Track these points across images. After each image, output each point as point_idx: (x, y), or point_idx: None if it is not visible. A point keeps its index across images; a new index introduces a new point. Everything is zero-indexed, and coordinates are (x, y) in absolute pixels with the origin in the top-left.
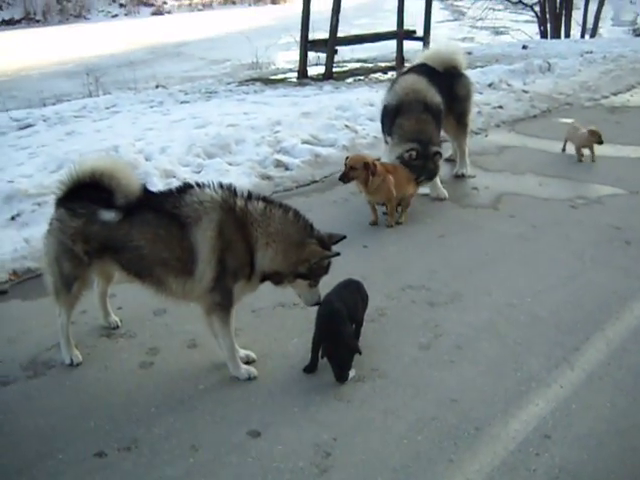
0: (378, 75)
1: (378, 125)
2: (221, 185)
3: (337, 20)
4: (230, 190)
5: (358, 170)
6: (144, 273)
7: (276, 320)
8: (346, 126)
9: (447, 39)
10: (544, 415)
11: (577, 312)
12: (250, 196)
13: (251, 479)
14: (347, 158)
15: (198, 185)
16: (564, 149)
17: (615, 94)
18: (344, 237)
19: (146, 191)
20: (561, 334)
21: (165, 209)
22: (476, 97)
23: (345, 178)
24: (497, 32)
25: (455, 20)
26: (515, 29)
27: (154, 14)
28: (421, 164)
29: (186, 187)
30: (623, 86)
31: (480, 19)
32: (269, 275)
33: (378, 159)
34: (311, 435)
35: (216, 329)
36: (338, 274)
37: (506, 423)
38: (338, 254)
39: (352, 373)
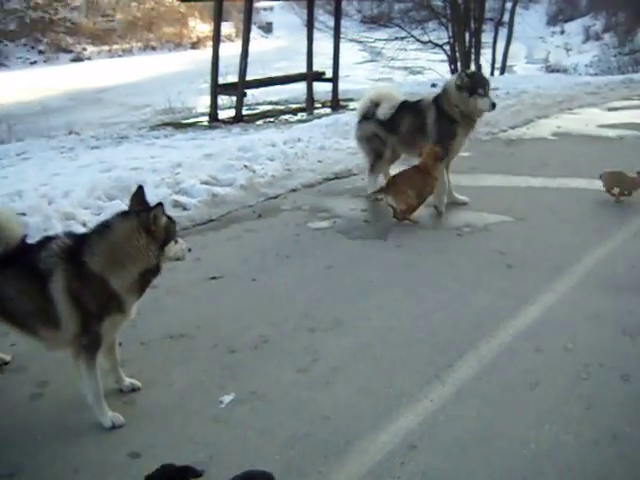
0: (288, 117)
1: (277, 164)
2: (68, 234)
3: (246, 64)
4: (74, 237)
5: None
6: (18, 323)
7: (163, 351)
8: (245, 166)
9: (365, 79)
10: (412, 427)
11: (453, 332)
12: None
13: None
14: None
15: (53, 238)
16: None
17: (513, 128)
18: None
19: (23, 242)
20: (436, 353)
21: (31, 262)
22: None
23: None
24: (413, 72)
25: (373, 61)
26: (429, 68)
27: (74, 61)
28: None
29: (46, 240)
30: (521, 120)
31: (392, 59)
32: (141, 281)
33: None
34: (188, 454)
35: (82, 373)
36: (226, 307)
37: (375, 436)
38: (160, 204)
39: (231, 396)
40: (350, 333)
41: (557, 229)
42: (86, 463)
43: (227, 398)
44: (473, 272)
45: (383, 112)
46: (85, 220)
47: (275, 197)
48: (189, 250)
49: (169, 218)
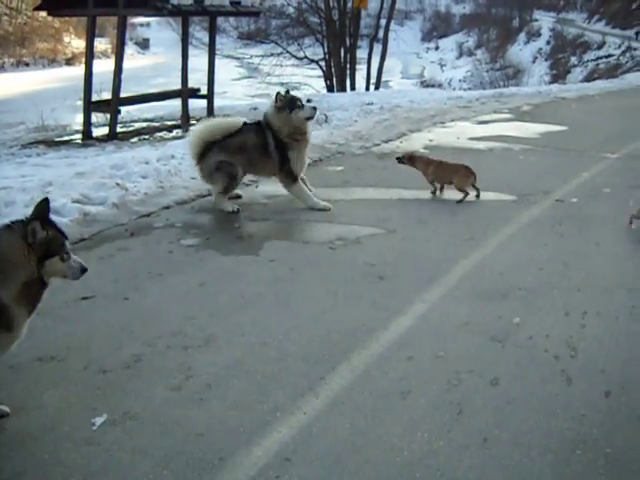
0: (163, 133)
1: (150, 182)
2: None
3: (120, 80)
4: None
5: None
6: None
7: (33, 374)
8: (117, 184)
9: (242, 95)
10: (286, 440)
11: (325, 345)
12: None
13: None
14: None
15: None
16: None
17: (386, 141)
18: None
19: None
20: (309, 366)
21: None
22: None
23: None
24: (290, 87)
25: (250, 77)
26: (306, 84)
27: None
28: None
29: None
30: (394, 134)
31: (269, 75)
32: (27, 293)
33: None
34: (60, 479)
35: None
36: (97, 327)
37: (249, 451)
38: (36, 218)
39: (104, 418)
40: (224, 349)
41: (428, 240)
42: None
43: (99, 420)
44: (345, 285)
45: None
46: None
47: (148, 215)
48: (83, 270)
49: (60, 233)
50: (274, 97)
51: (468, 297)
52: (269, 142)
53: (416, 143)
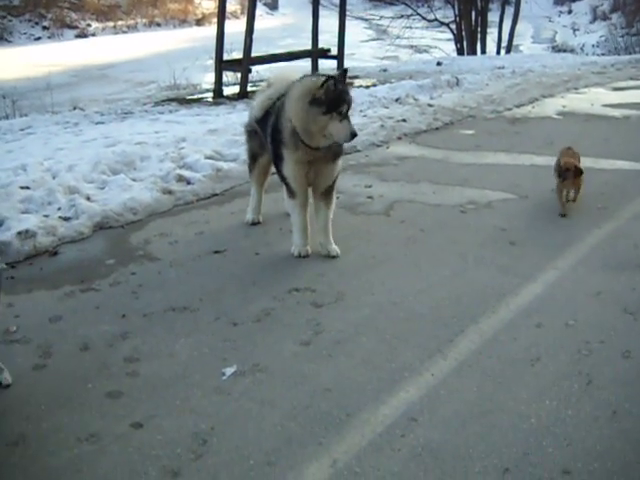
0: None
1: None
2: None
3: (251, 40)
4: None
5: (571, 171)
6: None
7: (166, 323)
8: None
9: (370, 57)
10: (413, 400)
11: (455, 308)
12: None
13: (130, 466)
14: (559, 161)
15: None
16: None
17: (518, 106)
18: None
19: None
20: (437, 328)
21: None
22: (381, 111)
23: (562, 176)
24: (419, 50)
25: (378, 39)
26: (435, 47)
27: (78, 37)
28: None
29: None
30: (526, 99)
31: (398, 37)
32: None
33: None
34: (190, 425)
35: None
36: (229, 280)
37: (376, 409)
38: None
39: (234, 368)
40: (353, 307)
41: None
42: (89, 433)
43: (229, 370)
44: (475, 249)
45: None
46: (89, 194)
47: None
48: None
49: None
50: (321, 81)
51: (601, 267)
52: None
53: (549, 109)
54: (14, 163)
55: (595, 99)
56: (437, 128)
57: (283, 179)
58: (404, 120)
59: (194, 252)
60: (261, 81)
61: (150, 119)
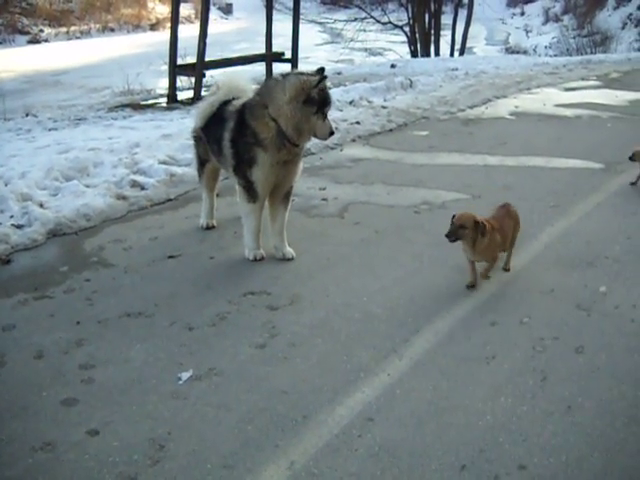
0: None
1: None
2: None
3: (204, 44)
4: None
5: (467, 229)
6: None
7: (121, 329)
8: None
9: (325, 60)
10: (369, 400)
11: (410, 308)
12: None
13: (87, 473)
14: (454, 216)
15: None
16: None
17: (471, 107)
18: None
19: None
20: (393, 328)
21: None
22: (336, 114)
23: (453, 236)
24: (373, 53)
25: (333, 42)
26: (389, 49)
27: (30, 42)
28: None
29: None
30: (480, 100)
31: (352, 40)
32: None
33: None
34: (147, 430)
35: None
36: (184, 285)
37: (332, 410)
38: None
39: (189, 373)
40: (308, 309)
41: (514, 206)
42: (44, 442)
43: (185, 375)
44: (430, 249)
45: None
46: (42, 201)
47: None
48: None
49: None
50: (315, 81)
51: (554, 264)
52: (224, 135)
53: (502, 109)
54: None
55: (547, 99)
56: (391, 130)
57: (248, 183)
58: (358, 122)
59: (149, 257)
60: None
61: (104, 125)
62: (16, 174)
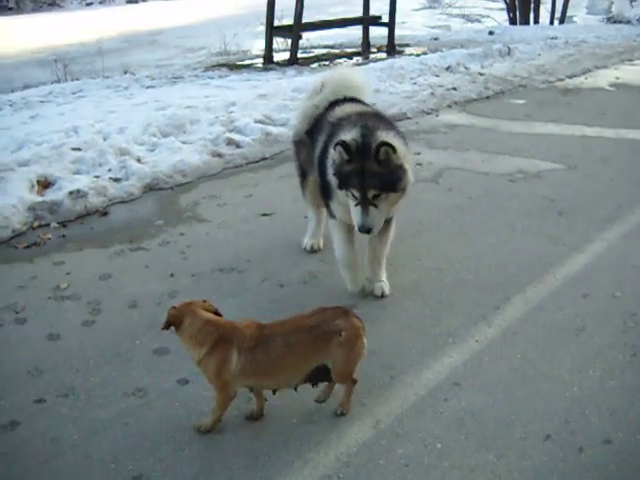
0: (343, 60)
1: None
2: None
3: (302, 6)
4: None
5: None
6: None
7: (214, 283)
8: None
9: (421, 26)
10: (456, 365)
11: (501, 275)
12: None
13: (176, 420)
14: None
15: None
16: None
17: (570, 77)
18: None
19: None
20: (483, 295)
21: None
22: (432, 79)
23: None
24: (470, 20)
25: (430, 7)
26: (487, 16)
27: (129, 2)
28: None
29: None
30: (579, 70)
31: (449, 6)
32: None
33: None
34: None
35: None
36: (276, 243)
37: (419, 373)
38: None
39: None
40: (399, 272)
41: (610, 179)
42: (136, 387)
43: None
44: (523, 217)
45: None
46: (139, 155)
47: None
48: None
49: None
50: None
51: None
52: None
53: (602, 80)
54: (66, 125)
55: None
56: (487, 97)
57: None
58: (454, 88)
59: (242, 214)
60: (312, 48)
61: (200, 84)
62: (114, 129)
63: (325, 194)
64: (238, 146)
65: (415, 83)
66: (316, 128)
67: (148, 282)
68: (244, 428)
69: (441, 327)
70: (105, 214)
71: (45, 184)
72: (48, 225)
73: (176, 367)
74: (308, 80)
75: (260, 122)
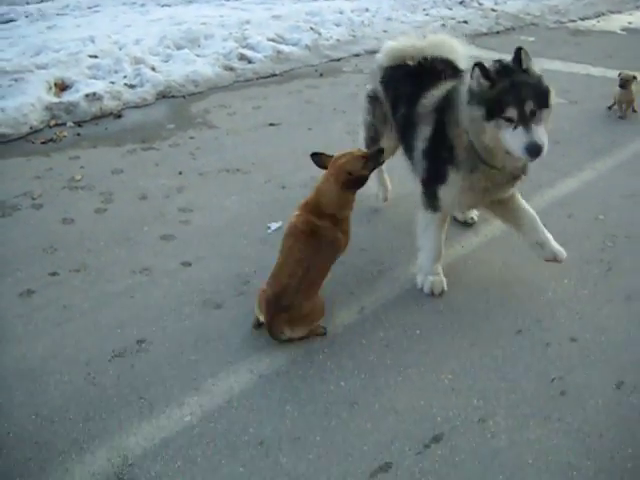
0: None
1: (342, 29)
2: None
3: None
4: None
5: None
6: None
7: (219, 182)
8: (311, 28)
9: None
10: (442, 266)
11: None
12: None
13: (178, 296)
14: None
15: None
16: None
17: (582, 19)
18: None
19: None
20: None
21: None
22: (444, 12)
23: None
24: None
25: None
26: None
27: None
28: None
29: None
30: (592, 12)
31: None
32: None
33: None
34: (234, 267)
35: None
36: (281, 149)
37: (406, 269)
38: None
39: (279, 224)
40: (395, 180)
41: (608, 115)
42: (143, 267)
43: (274, 225)
44: None
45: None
46: (154, 65)
47: (338, 60)
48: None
49: None
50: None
51: (639, 172)
52: (418, 134)
53: (614, 24)
54: (83, 35)
55: None
56: (498, 32)
57: (434, 195)
58: (465, 22)
59: (250, 123)
60: None
61: (216, 4)
62: (130, 41)
63: (435, 176)
64: (250, 62)
65: (427, 14)
66: (401, 80)
67: (158, 178)
68: (242, 305)
69: None
70: (119, 117)
71: (62, 86)
72: (64, 124)
73: (180, 251)
74: (322, 5)
75: (272, 40)
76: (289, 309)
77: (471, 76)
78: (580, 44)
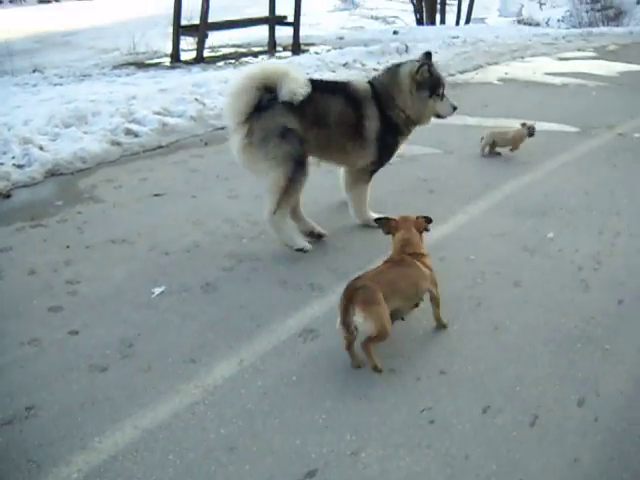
0: (249, 59)
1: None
2: None
3: (207, 6)
4: None
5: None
6: None
7: (106, 252)
8: (196, 99)
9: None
10: (317, 315)
11: (368, 244)
12: None
13: (66, 363)
14: None
15: None
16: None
17: (462, 72)
18: None
19: None
20: (349, 258)
21: None
22: (327, 74)
23: None
24: (386, 21)
25: (345, 9)
26: (397, 17)
27: (42, 2)
28: None
29: None
30: (472, 66)
31: (358, 7)
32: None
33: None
34: (119, 332)
35: None
36: (166, 218)
37: (283, 322)
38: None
39: (162, 288)
40: (269, 240)
41: (483, 162)
42: (31, 338)
43: (158, 290)
44: (394, 195)
45: (292, 92)
46: (42, 144)
47: (222, 128)
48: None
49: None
50: (415, 68)
51: (509, 213)
52: (365, 123)
53: (491, 75)
54: None
55: (538, 68)
56: None
57: (378, 166)
58: None
59: (136, 195)
60: (221, 47)
61: (107, 81)
62: (20, 121)
63: (388, 142)
64: (136, 135)
65: None
66: (321, 107)
67: (46, 253)
68: (127, 367)
69: (306, 285)
70: (8, 196)
71: None
72: None
73: (68, 321)
74: (209, 76)
75: (158, 113)
76: (363, 289)
77: (417, 72)
78: (458, 96)
